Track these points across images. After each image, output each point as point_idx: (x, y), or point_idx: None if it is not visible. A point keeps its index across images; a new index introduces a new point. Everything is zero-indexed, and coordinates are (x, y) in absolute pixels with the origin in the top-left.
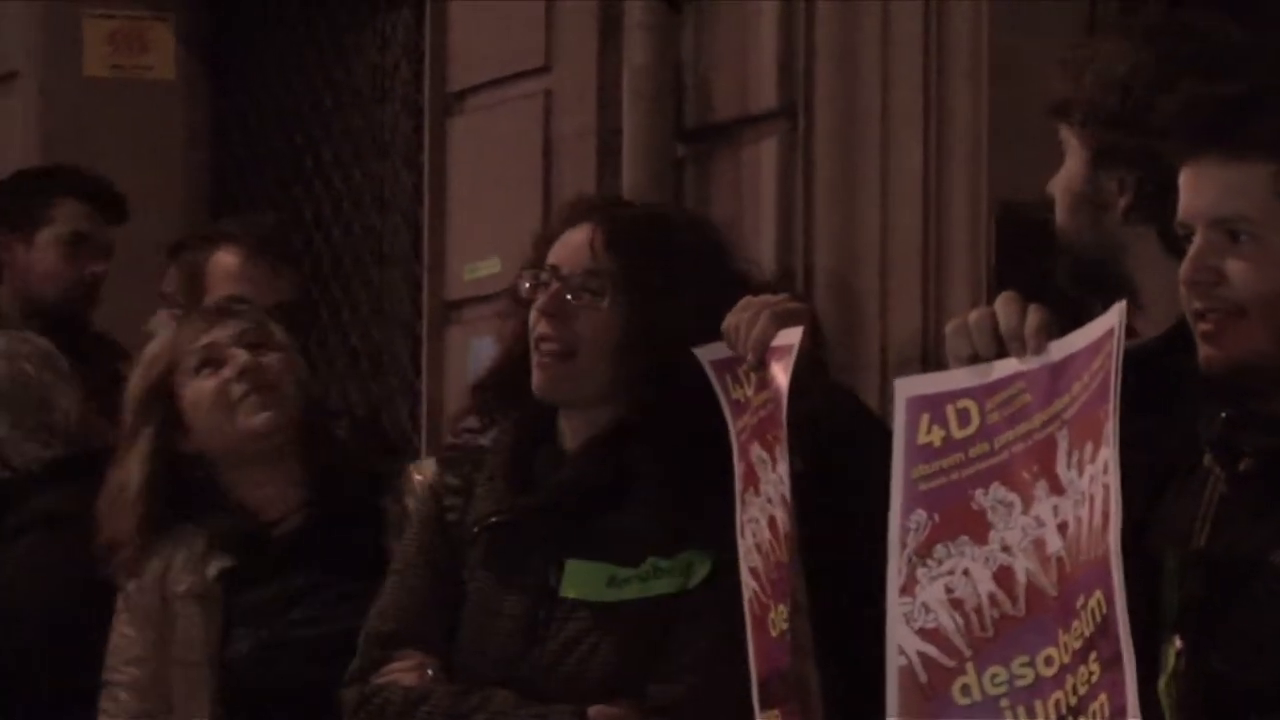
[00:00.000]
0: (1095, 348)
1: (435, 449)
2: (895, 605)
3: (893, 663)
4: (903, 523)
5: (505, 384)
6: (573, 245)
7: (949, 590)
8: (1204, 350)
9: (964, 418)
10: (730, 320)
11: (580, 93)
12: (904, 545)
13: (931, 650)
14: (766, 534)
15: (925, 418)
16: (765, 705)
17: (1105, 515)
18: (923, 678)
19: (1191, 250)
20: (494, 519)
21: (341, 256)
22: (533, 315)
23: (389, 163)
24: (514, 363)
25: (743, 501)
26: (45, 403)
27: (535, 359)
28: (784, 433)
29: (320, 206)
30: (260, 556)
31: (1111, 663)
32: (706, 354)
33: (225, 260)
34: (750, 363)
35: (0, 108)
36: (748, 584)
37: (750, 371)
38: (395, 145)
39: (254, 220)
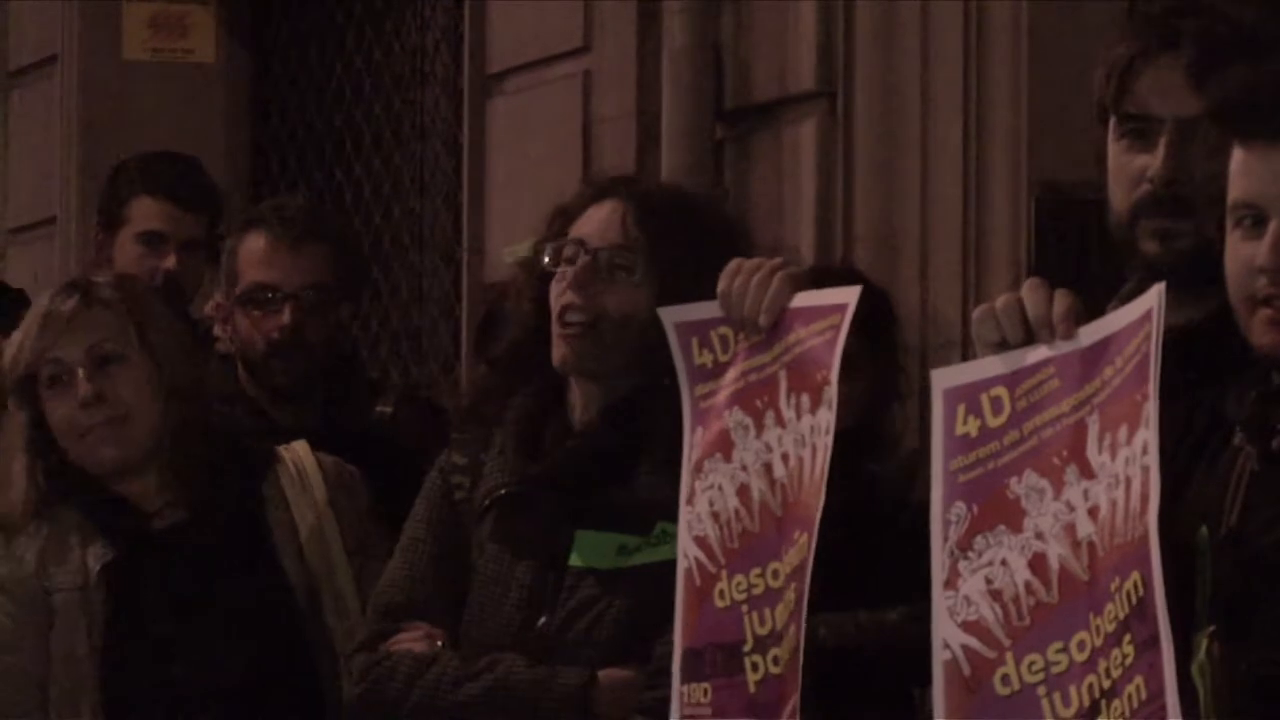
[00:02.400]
0: (1133, 330)
1: None
2: (940, 600)
3: (938, 657)
4: (944, 516)
5: (520, 359)
6: (600, 220)
7: (989, 581)
8: (1271, 336)
9: (997, 406)
10: (730, 284)
11: (619, 74)
12: (946, 539)
13: (974, 642)
14: (734, 502)
15: (962, 408)
16: (694, 677)
17: (1144, 497)
18: (966, 670)
19: (1276, 236)
20: (503, 490)
21: (381, 239)
22: (556, 287)
23: (429, 145)
24: (529, 337)
25: (698, 468)
26: None
27: (558, 331)
28: (832, 390)
29: (360, 189)
30: (142, 550)
31: (1148, 645)
32: (672, 315)
33: (253, 245)
34: (763, 324)
35: (40, 92)
36: (688, 552)
37: (741, 336)
38: (435, 127)
39: (283, 203)
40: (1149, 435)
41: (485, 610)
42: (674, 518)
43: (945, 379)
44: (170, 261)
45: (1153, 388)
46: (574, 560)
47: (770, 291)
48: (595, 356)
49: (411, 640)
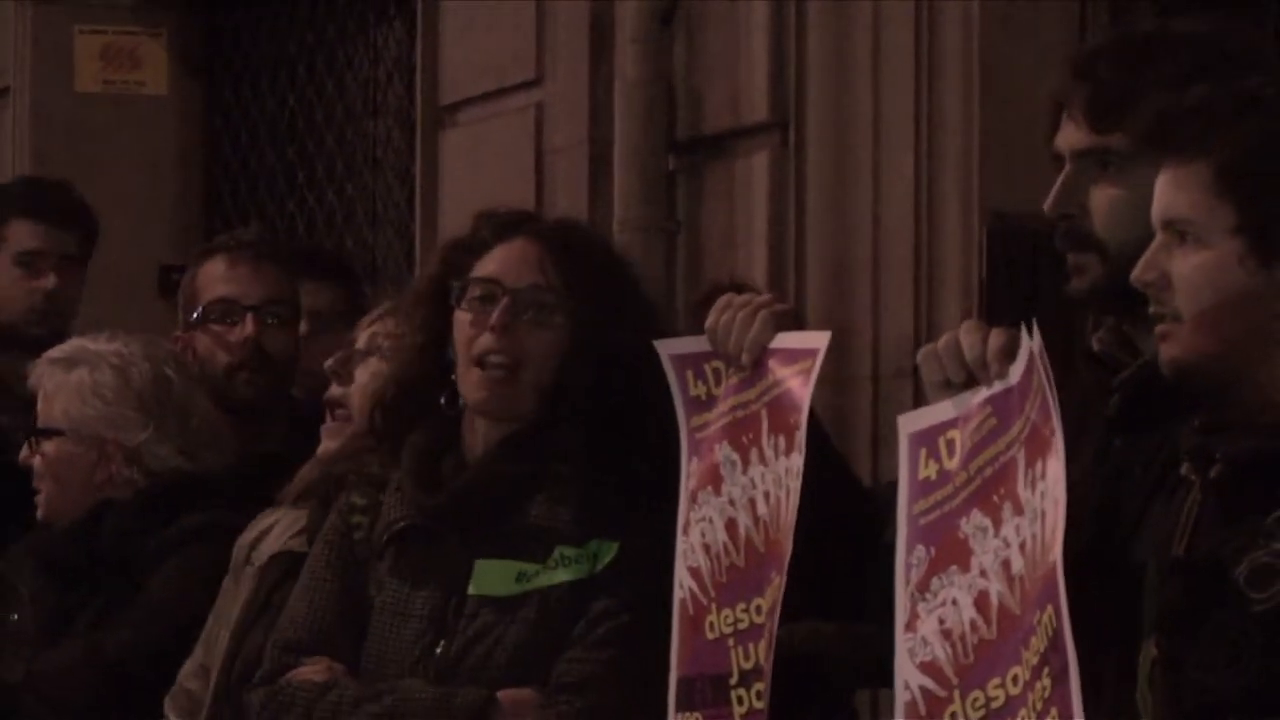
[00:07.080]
0: (1032, 365)
1: None
2: (901, 642)
3: (899, 698)
4: (906, 559)
5: (413, 396)
6: (513, 260)
7: (941, 621)
8: (1162, 351)
9: (951, 448)
10: (717, 319)
11: (572, 106)
12: (908, 582)
13: (929, 683)
14: (722, 536)
15: (923, 452)
16: (686, 707)
17: (1053, 529)
18: (923, 710)
19: (1146, 252)
20: (401, 524)
21: None
22: (468, 329)
23: (381, 176)
24: (422, 373)
25: (694, 499)
26: (184, 409)
27: (476, 374)
28: (802, 434)
29: (313, 220)
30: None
31: (1061, 675)
32: (667, 347)
33: (211, 268)
34: (745, 363)
35: None
36: (683, 582)
37: (731, 370)
38: (387, 159)
39: (239, 231)
40: (1058, 466)
41: (385, 640)
42: (571, 542)
43: (910, 424)
44: (50, 280)
45: (1056, 421)
46: (473, 589)
47: (753, 330)
48: (513, 399)
49: (311, 672)
